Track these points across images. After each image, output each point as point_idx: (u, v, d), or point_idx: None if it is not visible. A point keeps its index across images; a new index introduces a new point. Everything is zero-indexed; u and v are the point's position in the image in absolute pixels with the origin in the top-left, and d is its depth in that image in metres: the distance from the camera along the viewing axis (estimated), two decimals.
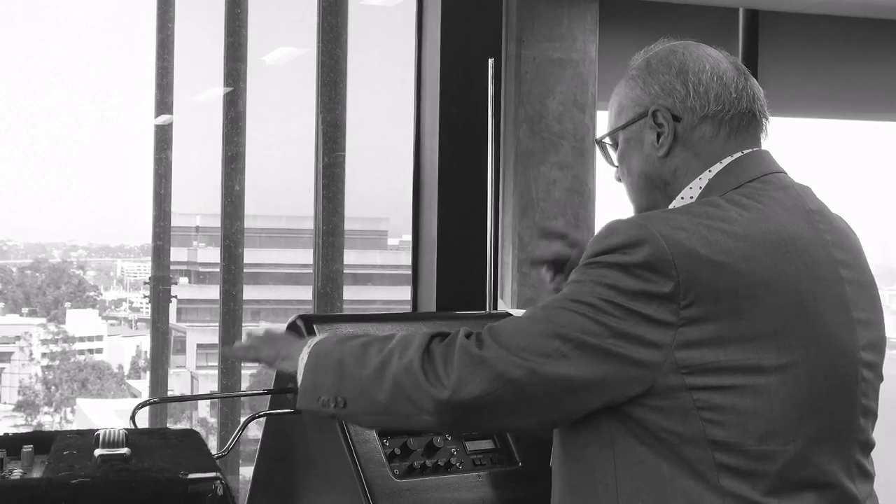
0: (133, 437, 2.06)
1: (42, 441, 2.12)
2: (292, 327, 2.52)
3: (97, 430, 2.04)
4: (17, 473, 1.94)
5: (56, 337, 18.29)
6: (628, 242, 1.74)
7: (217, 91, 7.26)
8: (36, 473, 1.95)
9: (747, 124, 1.94)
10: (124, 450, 1.93)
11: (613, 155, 2.06)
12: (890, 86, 5.88)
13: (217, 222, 7.34)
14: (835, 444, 1.81)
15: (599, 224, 4.93)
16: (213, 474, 1.85)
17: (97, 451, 1.93)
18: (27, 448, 2.03)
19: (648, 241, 1.73)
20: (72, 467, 1.87)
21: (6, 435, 2.16)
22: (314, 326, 2.50)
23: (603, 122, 2.09)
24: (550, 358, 1.74)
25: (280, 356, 2.12)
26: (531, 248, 4.67)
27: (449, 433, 1.92)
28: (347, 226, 6.15)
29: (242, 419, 2.42)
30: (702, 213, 1.79)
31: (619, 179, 2.08)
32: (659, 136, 1.94)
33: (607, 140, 2.06)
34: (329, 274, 5.97)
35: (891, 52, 5.84)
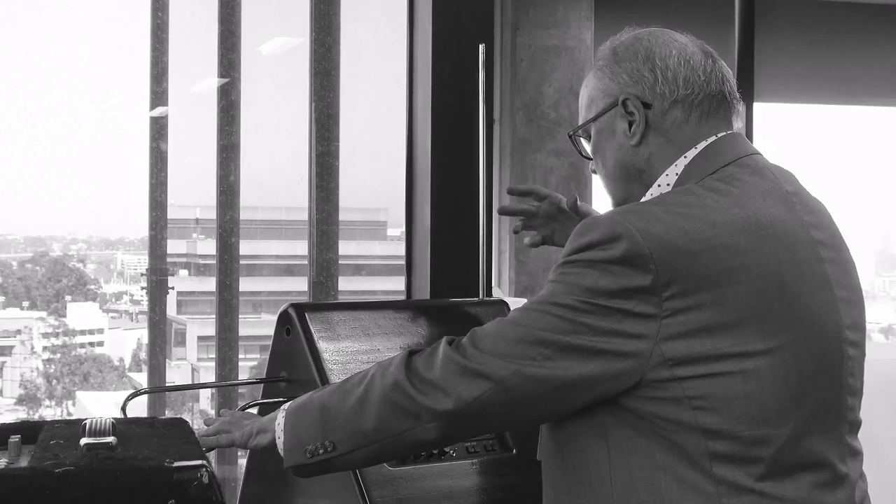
0: (121, 426, 2.05)
1: (30, 431, 2.11)
2: (283, 317, 2.51)
3: (85, 419, 2.03)
4: (2, 463, 1.93)
5: (57, 330, 18.32)
6: (604, 238, 1.74)
7: (212, 82, 7.26)
8: (22, 463, 1.94)
9: (717, 107, 1.93)
10: (110, 438, 1.92)
11: (587, 147, 2.06)
12: (888, 71, 5.87)
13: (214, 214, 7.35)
14: (825, 425, 1.81)
15: (598, 210, 4.93)
16: (198, 462, 1.84)
17: (83, 440, 1.92)
18: (14, 438, 2.02)
19: (624, 235, 1.72)
20: (57, 456, 1.86)
21: None
22: (306, 315, 2.50)
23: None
24: (534, 360, 1.74)
25: (254, 431, 2.09)
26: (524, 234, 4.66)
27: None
28: (347, 217, 6.14)
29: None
30: (677, 202, 1.79)
31: (594, 171, 2.07)
32: (630, 124, 1.93)
33: (580, 133, 2.05)
34: (323, 263, 5.97)
35: (888, 37, 5.82)
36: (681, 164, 1.90)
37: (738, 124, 1.97)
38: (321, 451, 1.92)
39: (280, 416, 2.00)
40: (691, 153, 1.90)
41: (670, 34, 1.97)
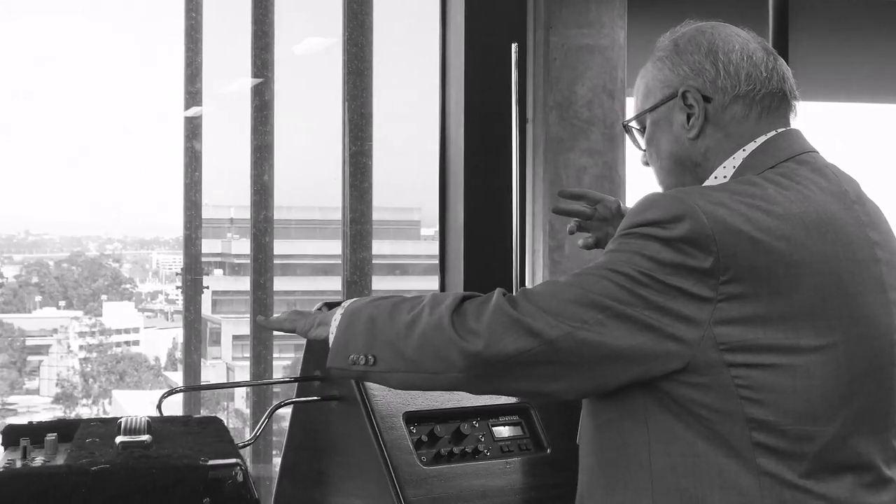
0: (156, 424, 2.06)
1: (67, 429, 2.13)
2: None
3: (120, 418, 2.04)
4: (39, 461, 1.95)
5: (93, 329, 18.42)
6: (668, 217, 1.72)
7: (246, 81, 7.28)
8: (59, 461, 1.95)
9: (778, 104, 1.92)
10: (145, 437, 1.93)
11: (640, 139, 2.04)
12: None
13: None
14: (872, 427, 1.80)
15: None
16: (233, 460, 1.85)
17: (118, 439, 1.93)
18: (51, 436, 2.03)
19: (688, 215, 1.71)
20: (93, 454, 1.88)
21: (31, 423, 2.17)
22: None
23: (631, 110, 2.07)
24: (587, 323, 1.72)
25: (315, 323, 2.12)
26: (561, 236, 4.65)
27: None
28: (380, 216, 6.14)
29: None
30: (741, 190, 1.77)
31: (646, 163, 2.06)
32: (689, 117, 1.92)
33: (634, 124, 2.04)
34: (357, 262, 5.97)
35: None
36: (739, 157, 1.88)
37: (795, 123, 1.96)
38: (362, 362, 1.93)
39: (338, 313, 2.02)
40: (750, 147, 1.88)
41: (733, 28, 1.96)
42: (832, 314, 1.74)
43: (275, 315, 2.29)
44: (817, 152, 1.93)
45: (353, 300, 2.05)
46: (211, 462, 1.85)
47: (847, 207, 1.84)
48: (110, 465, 1.81)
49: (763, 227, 1.72)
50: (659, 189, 2.03)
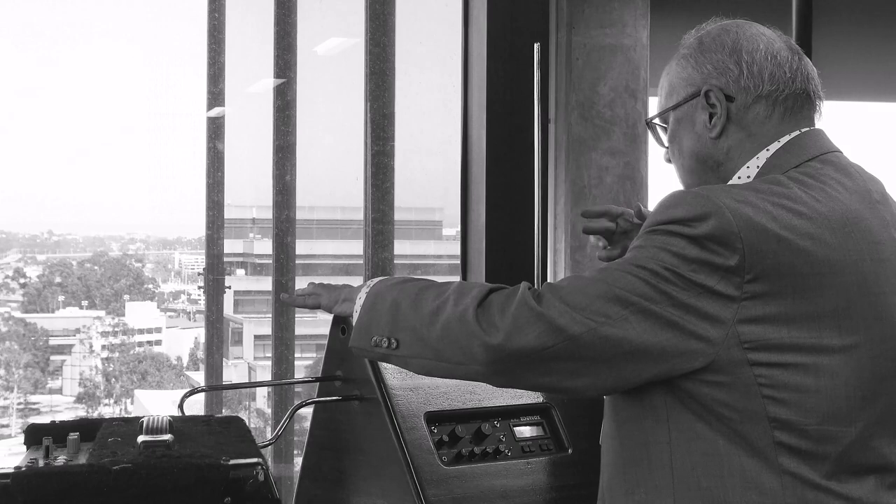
0: (177, 423, 2.07)
1: (89, 428, 2.13)
2: (339, 316, 2.51)
3: (142, 417, 2.05)
4: (61, 460, 1.95)
5: (115, 329, 18.50)
6: (693, 215, 1.72)
7: (268, 82, 7.29)
8: (81, 460, 1.96)
9: (801, 105, 1.92)
10: (167, 436, 1.94)
11: (664, 136, 2.04)
12: None
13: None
14: (895, 427, 1.78)
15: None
16: (254, 460, 1.86)
17: (140, 438, 1.94)
18: (73, 435, 2.04)
19: (714, 213, 1.70)
20: (115, 453, 1.88)
21: (53, 422, 2.18)
22: None
23: (654, 107, 2.07)
24: (611, 319, 1.72)
25: (340, 299, 2.14)
26: (583, 237, 4.64)
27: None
28: (402, 216, 6.14)
29: None
30: (766, 189, 1.76)
31: (668, 161, 2.06)
32: (711, 116, 1.92)
33: (657, 121, 2.04)
34: (379, 262, 5.98)
35: None
36: (762, 156, 1.88)
37: (820, 123, 1.95)
38: (385, 345, 1.94)
39: (363, 291, 2.03)
40: (773, 146, 1.88)
41: (758, 27, 1.95)
42: (856, 314, 1.73)
43: (296, 291, 2.30)
44: (841, 152, 1.92)
45: (378, 279, 2.06)
46: (232, 461, 1.85)
47: (871, 207, 1.83)
48: (132, 465, 1.81)
49: (789, 225, 1.71)
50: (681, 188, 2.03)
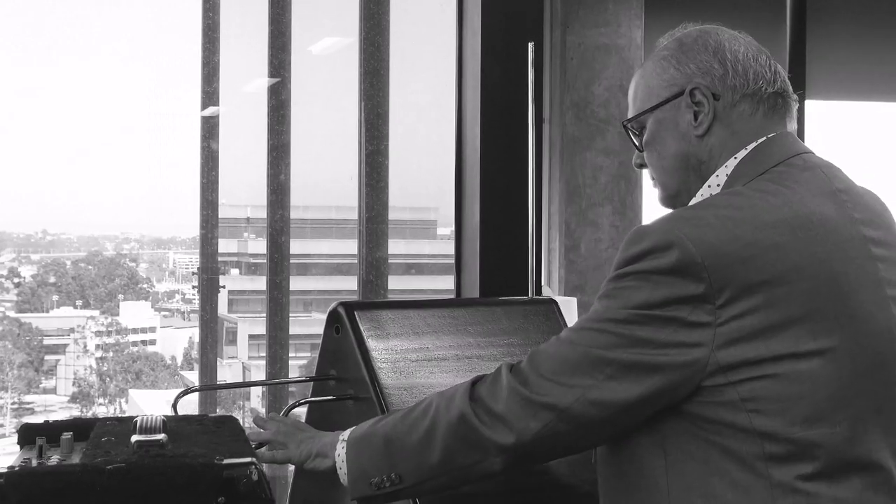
0: (171, 423, 2.07)
1: (83, 428, 2.13)
2: (333, 315, 2.51)
3: (136, 417, 2.04)
4: (55, 459, 1.95)
5: (109, 329, 18.46)
6: (656, 247, 1.74)
7: (263, 81, 7.29)
8: (74, 460, 1.96)
9: (782, 104, 1.96)
10: (161, 436, 1.93)
11: (636, 140, 2.05)
12: None
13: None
14: (879, 426, 1.80)
15: (647, 209, 4.90)
16: (248, 459, 1.85)
17: (134, 438, 1.93)
18: (66, 435, 2.03)
19: (676, 244, 1.73)
20: (108, 453, 1.88)
21: (47, 422, 2.17)
22: (355, 313, 2.50)
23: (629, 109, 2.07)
24: (597, 382, 1.75)
25: (312, 454, 2.13)
26: (577, 236, 4.64)
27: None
28: (396, 215, 6.15)
29: None
30: (726, 204, 1.79)
31: (639, 166, 2.07)
32: (696, 115, 1.93)
33: (633, 124, 2.04)
34: (373, 262, 5.98)
35: None
36: (731, 164, 1.90)
37: (792, 125, 1.97)
38: (387, 484, 1.94)
39: (340, 447, 2.03)
40: (741, 154, 1.90)
41: (731, 31, 1.99)
42: (828, 316, 1.75)
43: (256, 431, 2.25)
44: (810, 153, 1.94)
45: (348, 430, 2.06)
46: (226, 461, 1.84)
47: (838, 206, 1.84)
48: (125, 464, 1.81)
49: (751, 240, 1.73)
50: (656, 192, 2.04)
